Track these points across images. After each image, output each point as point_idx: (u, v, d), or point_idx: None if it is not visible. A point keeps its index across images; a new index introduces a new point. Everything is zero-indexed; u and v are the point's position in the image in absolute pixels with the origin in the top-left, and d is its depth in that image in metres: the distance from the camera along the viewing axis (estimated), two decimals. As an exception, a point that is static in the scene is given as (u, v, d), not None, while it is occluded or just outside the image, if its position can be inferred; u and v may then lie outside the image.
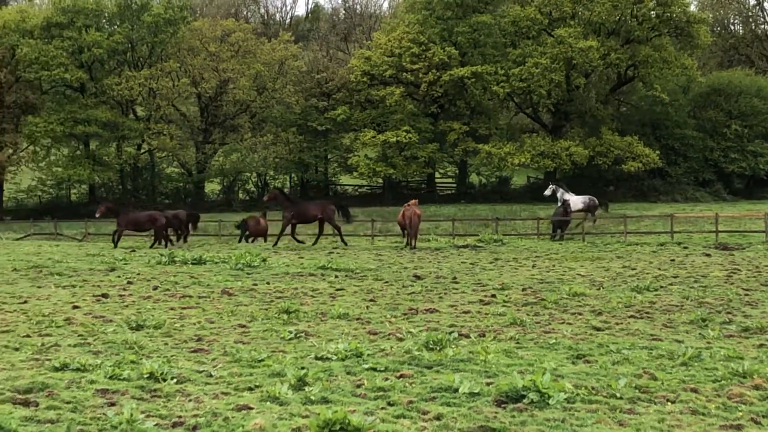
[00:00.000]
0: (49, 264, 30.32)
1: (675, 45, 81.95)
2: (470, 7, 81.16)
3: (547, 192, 53.70)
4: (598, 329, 16.70)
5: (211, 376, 12.66)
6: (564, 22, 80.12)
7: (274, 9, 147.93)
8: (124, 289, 23.25)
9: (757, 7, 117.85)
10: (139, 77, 80.00)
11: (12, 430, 9.55)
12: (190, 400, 11.19)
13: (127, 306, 20.18)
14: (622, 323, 17.42)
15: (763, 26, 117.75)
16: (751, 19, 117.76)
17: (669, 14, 79.01)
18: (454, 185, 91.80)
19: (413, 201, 43.81)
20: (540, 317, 18.22)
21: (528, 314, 18.54)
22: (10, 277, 26.76)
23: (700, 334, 16.26)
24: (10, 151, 79.93)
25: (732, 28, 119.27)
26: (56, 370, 12.89)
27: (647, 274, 27.19)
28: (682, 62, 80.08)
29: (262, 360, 13.59)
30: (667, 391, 11.58)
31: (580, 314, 18.64)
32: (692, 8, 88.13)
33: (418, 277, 26.21)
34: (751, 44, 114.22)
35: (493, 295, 21.69)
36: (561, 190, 52.33)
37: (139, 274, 27.48)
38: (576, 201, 51.36)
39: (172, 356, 14.12)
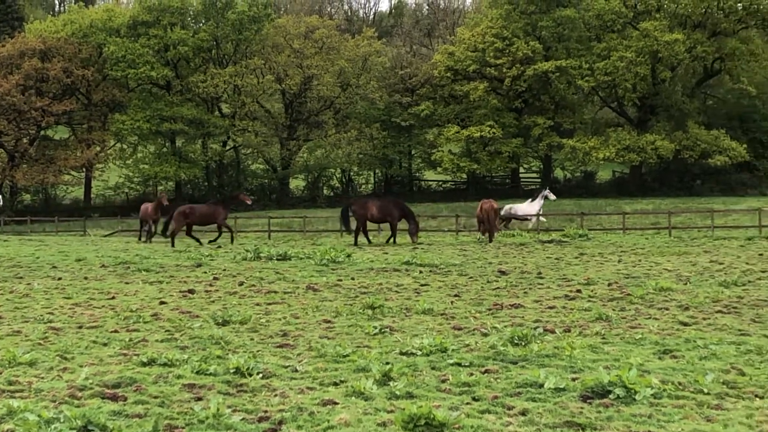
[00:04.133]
0: (136, 260, 30.67)
1: (763, 37, 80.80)
2: (554, 1, 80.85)
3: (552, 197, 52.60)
4: (685, 324, 16.50)
5: (296, 371, 12.71)
6: (649, 15, 79.40)
7: (358, 5, 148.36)
8: (210, 285, 23.44)
9: None
10: (224, 74, 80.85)
11: (101, 424, 9.67)
12: (275, 395, 11.25)
13: (213, 301, 20.35)
14: (709, 318, 17.19)
15: None
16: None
17: (756, 6, 77.84)
18: (539, 180, 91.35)
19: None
20: (626, 312, 18.05)
21: (614, 309, 18.38)
22: (98, 273, 27.14)
23: (789, 329, 16.01)
24: (98, 148, 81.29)
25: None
26: (144, 365, 13.03)
27: (735, 268, 26.79)
28: (769, 55, 78.92)
29: (347, 355, 13.61)
30: (756, 387, 11.41)
31: (666, 309, 18.42)
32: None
33: (502, 273, 26.09)
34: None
35: (579, 290, 21.53)
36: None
37: (224, 270, 27.71)
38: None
39: (257, 351, 14.21)
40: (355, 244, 40.57)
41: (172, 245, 40.24)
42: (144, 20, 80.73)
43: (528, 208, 50.40)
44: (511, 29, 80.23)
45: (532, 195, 56.52)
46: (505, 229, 48.24)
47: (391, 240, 41.89)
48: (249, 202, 45.20)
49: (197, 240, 41.87)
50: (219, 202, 45.41)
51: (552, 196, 51.73)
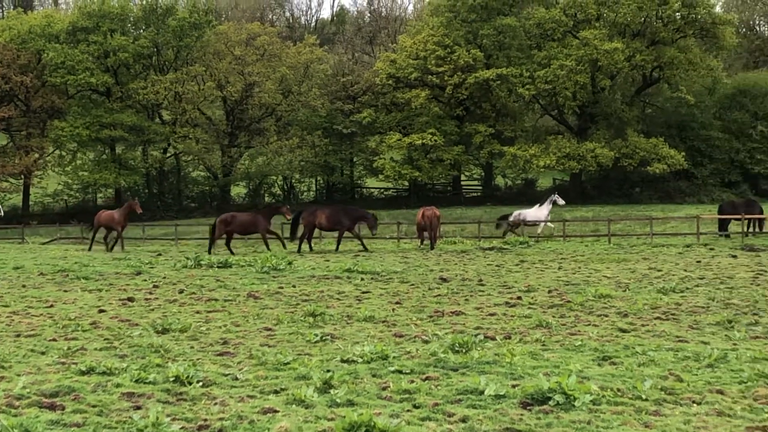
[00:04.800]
0: (75, 268, 30.45)
1: (700, 46, 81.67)
2: (495, 10, 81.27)
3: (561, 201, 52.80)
4: (624, 331, 16.65)
5: (236, 379, 12.68)
6: (589, 23, 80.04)
7: (299, 12, 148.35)
8: (150, 293, 23.33)
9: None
10: (165, 81, 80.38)
11: (39, 433, 9.60)
12: (215, 404, 11.21)
13: (152, 310, 20.25)
14: (648, 325, 17.36)
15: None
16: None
17: (694, 16, 78.76)
18: (480, 188, 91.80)
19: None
20: (566, 319, 18.18)
21: (554, 316, 18.50)
22: (36, 281, 26.91)
23: (726, 335, 16.18)
24: (37, 155, 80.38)
25: (757, 29, 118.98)
26: (82, 373, 12.93)
27: (673, 275, 27.09)
28: (707, 64, 79.77)
29: (288, 363, 13.60)
30: (693, 393, 11.53)
31: (605, 316, 18.58)
32: (717, 10, 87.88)
33: (444, 280, 26.18)
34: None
35: (519, 298, 21.65)
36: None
37: (165, 277, 27.58)
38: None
39: (197, 359, 14.16)
40: (299, 251, 40.61)
41: (209, 252, 40.44)
42: (83, 26, 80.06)
43: (537, 213, 50.52)
44: (452, 37, 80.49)
45: (539, 200, 56.63)
46: (514, 235, 48.43)
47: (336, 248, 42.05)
48: (289, 217, 44.41)
49: (232, 252, 41.34)
50: (260, 211, 44.97)
51: (561, 201, 52.00)
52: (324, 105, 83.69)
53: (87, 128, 77.80)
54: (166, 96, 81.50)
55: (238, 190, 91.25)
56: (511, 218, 50.33)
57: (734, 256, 34.42)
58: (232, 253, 40.61)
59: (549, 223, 50.67)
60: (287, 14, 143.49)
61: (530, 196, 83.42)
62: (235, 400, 11.37)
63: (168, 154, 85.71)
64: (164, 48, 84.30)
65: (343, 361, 13.84)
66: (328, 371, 12.69)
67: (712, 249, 38.73)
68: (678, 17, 79.50)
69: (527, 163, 78.07)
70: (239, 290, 23.79)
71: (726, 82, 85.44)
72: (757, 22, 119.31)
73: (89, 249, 45.34)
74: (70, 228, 62.12)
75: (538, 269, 30.09)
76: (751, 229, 46.41)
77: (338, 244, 42.54)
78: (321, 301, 21.28)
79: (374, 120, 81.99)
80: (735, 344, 15.26)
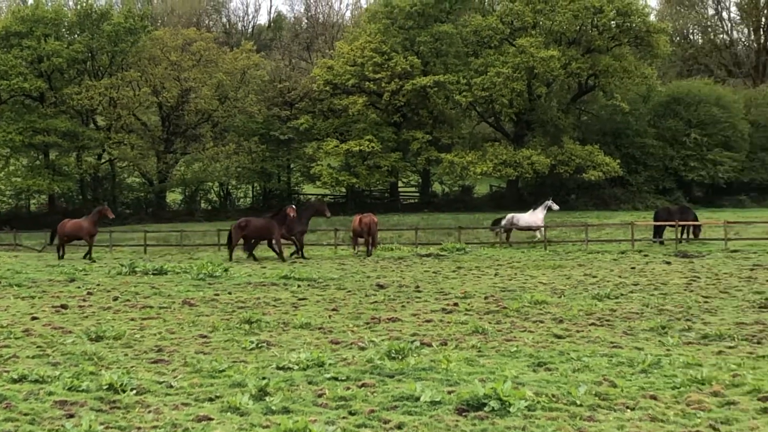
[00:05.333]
0: (8, 275, 30.10)
1: (635, 55, 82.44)
2: (432, 17, 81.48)
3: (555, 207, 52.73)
4: (559, 337, 16.76)
5: (171, 387, 12.60)
6: (525, 31, 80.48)
7: (236, 18, 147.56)
8: (84, 300, 23.11)
9: (716, 17, 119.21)
10: (100, 87, 79.53)
11: (-32, 442, 9.48)
12: (149, 412, 11.13)
13: (86, 317, 20.06)
14: (582, 331, 17.49)
15: (721, 36, 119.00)
16: (709, 29, 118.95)
17: (629, 24, 79.57)
18: (417, 194, 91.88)
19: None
20: (502, 325, 18.26)
21: (490, 322, 18.58)
22: (-32, 288, 26.54)
23: (659, 341, 16.35)
24: (-32, 161, 79.29)
25: (691, 37, 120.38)
26: (14, 381, 12.79)
27: (608, 282, 27.33)
28: (642, 72, 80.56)
29: (223, 370, 13.55)
30: (627, 399, 11.62)
31: (541, 322, 18.69)
32: (652, 18, 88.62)
33: (380, 286, 26.20)
34: (710, 54, 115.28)
35: (456, 304, 21.72)
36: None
37: (99, 285, 27.33)
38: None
39: (131, 367, 14.05)
40: (244, 258, 40.47)
41: (230, 258, 40.02)
42: (17, 31, 79.03)
43: (530, 218, 50.23)
44: (389, 44, 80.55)
45: (533, 205, 56.50)
46: (505, 241, 48.38)
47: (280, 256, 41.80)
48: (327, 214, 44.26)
49: (254, 257, 40.71)
50: (274, 215, 43.53)
51: (555, 206, 51.93)
52: (261, 111, 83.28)
53: (20, 134, 76.74)
54: (100, 101, 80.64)
55: (174, 197, 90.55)
56: (503, 222, 50.31)
57: (668, 263, 34.80)
58: (255, 259, 40.22)
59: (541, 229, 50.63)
60: (224, 20, 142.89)
61: (468, 203, 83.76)
62: (170, 408, 11.29)
63: (103, 160, 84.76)
64: (99, 53, 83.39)
65: (278, 368, 13.80)
66: (264, 378, 12.65)
67: (646, 255, 39.12)
68: (613, 25, 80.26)
69: (464, 170, 78.24)
70: (174, 297, 23.64)
71: (660, 90, 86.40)
72: (691, 31, 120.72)
73: (61, 257, 43.53)
74: (2, 234, 61.29)
75: (474, 276, 30.21)
76: (684, 236, 46.90)
77: (277, 253, 42.14)
78: (257, 308, 21.21)
79: (311, 126, 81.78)
80: (668, 350, 15.42)
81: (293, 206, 43.95)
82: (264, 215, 46.20)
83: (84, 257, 42.94)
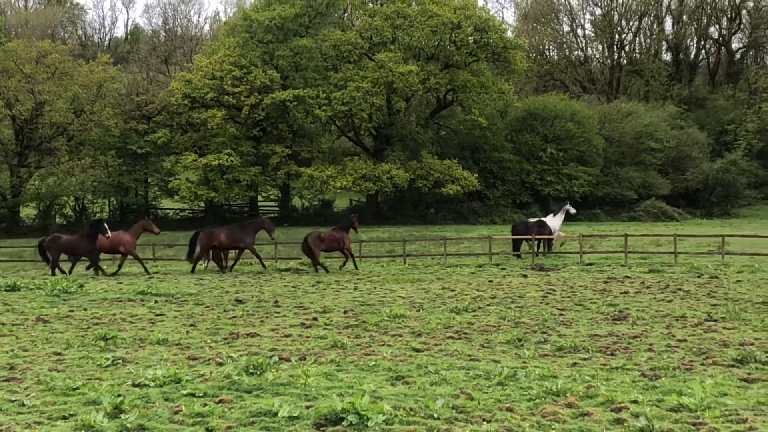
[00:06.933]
0: None
1: (492, 70, 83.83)
2: (291, 31, 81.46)
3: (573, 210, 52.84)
4: (418, 350, 16.85)
5: (23, 405, 12.31)
6: (384, 46, 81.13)
7: (92, 30, 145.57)
8: (-68, 318, 22.44)
9: (571, 34, 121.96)
10: (-50, 99, 77.67)
11: None
12: (0, 431, 10.85)
13: (-66, 335, 19.48)
14: (440, 344, 17.61)
15: (576, 52, 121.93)
16: (565, 46, 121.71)
17: (486, 40, 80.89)
18: (277, 208, 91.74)
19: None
20: (361, 339, 18.29)
21: (349, 337, 18.60)
22: None
23: (516, 353, 16.56)
24: None
25: (547, 54, 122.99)
26: None
27: (466, 295, 27.60)
28: (499, 87, 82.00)
29: (77, 388, 13.28)
30: (484, 411, 11.73)
31: (400, 336, 18.78)
32: (509, 34, 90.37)
33: (239, 301, 26.06)
34: (565, 70, 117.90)
35: (315, 318, 21.70)
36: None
37: (-52, 302, 26.57)
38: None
39: (-19, 387, 13.68)
40: (192, 271, 39.84)
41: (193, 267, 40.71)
42: None
43: (551, 222, 49.94)
44: (248, 58, 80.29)
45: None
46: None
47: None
48: (273, 236, 43.64)
49: (222, 269, 40.98)
50: (245, 225, 42.25)
51: (572, 210, 52.02)
52: (117, 124, 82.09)
53: None
54: (-49, 114, 78.77)
55: (28, 211, 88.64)
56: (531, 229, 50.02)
57: (525, 276, 35.34)
58: (222, 267, 41.06)
59: (561, 233, 50.72)
60: (80, 32, 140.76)
61: (328, 216, 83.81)
62: (22, 427, 11.03)
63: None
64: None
65: (134, 385, 13.60)
66: (119, 396, 12.44)
67: (504, 269, 39.67)
68: (471, 41, 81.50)
69: (324, 184, 78.40)
70: (27, 314, 23.10)
71: (517, 105, 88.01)
72: (547, 47, 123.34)
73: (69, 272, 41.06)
74: None
75: (334, 290, 30.23)
76: (540, 249, 47.65)
77: (235, 261, 41.88)
78: (113, 325, 20.86)
79: (169, 140, 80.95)
80: (524, 362, 15.62)
81: (270, 221, 44.22)
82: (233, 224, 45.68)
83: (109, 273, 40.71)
